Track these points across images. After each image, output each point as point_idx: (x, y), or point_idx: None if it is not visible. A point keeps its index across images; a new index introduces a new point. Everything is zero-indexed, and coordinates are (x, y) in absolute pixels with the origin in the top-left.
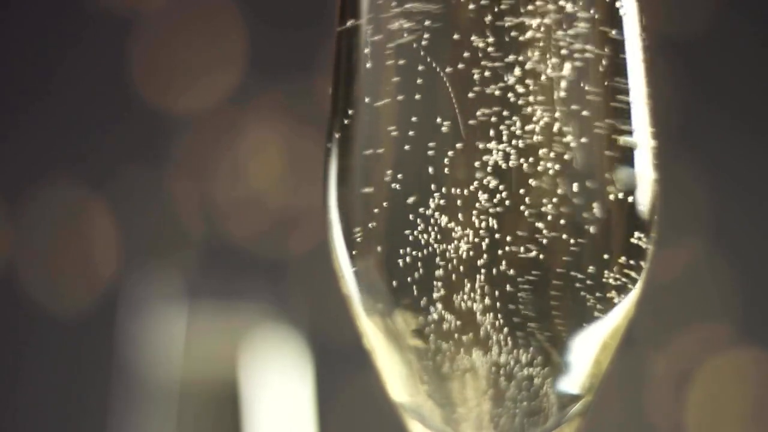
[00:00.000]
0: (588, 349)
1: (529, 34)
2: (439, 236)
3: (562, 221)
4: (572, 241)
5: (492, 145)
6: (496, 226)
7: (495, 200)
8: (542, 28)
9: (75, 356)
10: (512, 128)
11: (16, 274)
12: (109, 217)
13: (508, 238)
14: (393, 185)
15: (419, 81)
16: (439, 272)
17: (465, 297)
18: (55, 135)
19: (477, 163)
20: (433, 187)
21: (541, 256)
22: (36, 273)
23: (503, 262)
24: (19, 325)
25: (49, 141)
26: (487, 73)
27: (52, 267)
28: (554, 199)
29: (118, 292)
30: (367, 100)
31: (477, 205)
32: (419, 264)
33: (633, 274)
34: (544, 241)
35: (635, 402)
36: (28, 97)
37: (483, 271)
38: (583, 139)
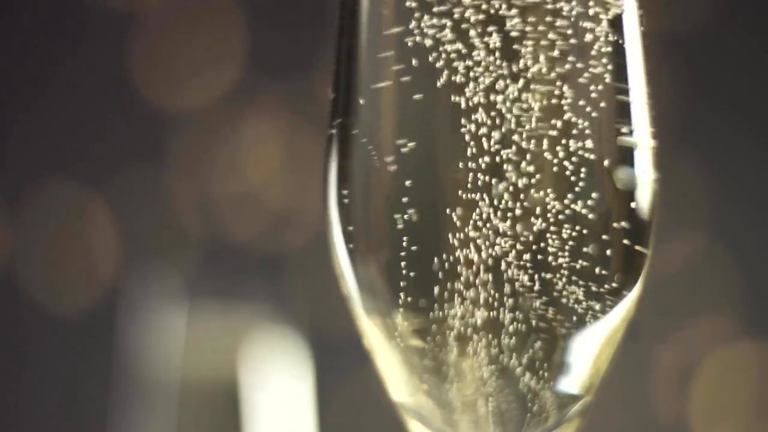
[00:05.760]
0: (588, 349)
1: (528, 35)
2: (439, 236)
3: (562, 221)
4: (572, 240)
5: (492, 146)
6: (496, 227)
7: (495, 200)
8: (542, 29)
9: (75, 356)
10: (512, 129)
11: (17, 274)
12: (109, 217)
13: (508, 238)
14: (393, 185)
15: (421, 82)
16: (439, 272)
17: (465, 297)
18: (55, 135)
19: (477, 163)
20: (433, 187)
21: (541, 256)
22: (36, 273)
23: (503, 262)
24: (19, 325)
25: (49, 141)
26: (487, 75)
27: (52, 267)
28: (554, 199)
29: (118, 292)
30: (367, 99)
31: (477, 205)
32: (419, 264)
33: (633, 273)
34: (544, 240)
35: (638, 394)
36: (27, 97)
37: (483, 271)
38: (583, 139)
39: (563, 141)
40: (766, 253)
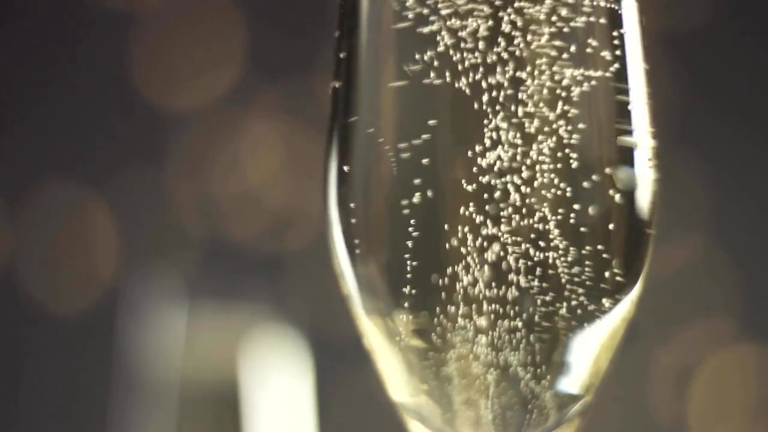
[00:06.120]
0: (588, 349)
1: (528, 35)
2: (439, 236)
3: (562, 221)
4: (572, 240)
5: (492, 146)
6: (495, 226)
7: (495, 200)
8: (541, 29)
9: (75, 356)
10: (513, 129)
11: (17, 274)
12: (109, 217)
13: (508, 238)
14: (393, 185)
15: (422, 81)
16: (439, 272)
17: (465, 297)
18: (56, 135)
19: (477, 163)
20: (433, 187)
21: (541, 256)
22: (36, 273)
23: (503, 262)
24: (19, 325)
25: (49, 141)
26: (488, 75)
27: (52, 267)
28: (555, 200)
29: (118, 292)
30: (367, 99)
31: (477, 204)
32: (419, 264)
33: (632, 273)
34: (545, 240)
35: (637, 396)
36: (27, 97)
37: (483, 270)
38: (583, 139)
39: (563, 141)
40: (766, 254)
